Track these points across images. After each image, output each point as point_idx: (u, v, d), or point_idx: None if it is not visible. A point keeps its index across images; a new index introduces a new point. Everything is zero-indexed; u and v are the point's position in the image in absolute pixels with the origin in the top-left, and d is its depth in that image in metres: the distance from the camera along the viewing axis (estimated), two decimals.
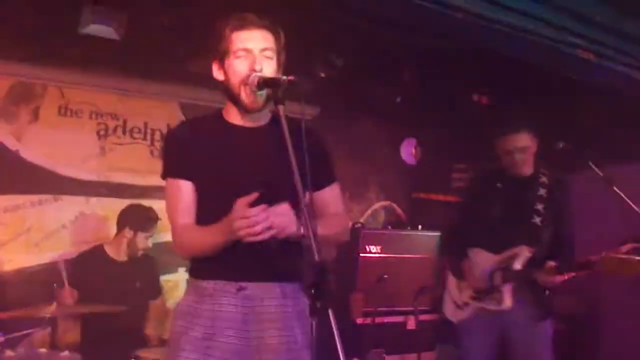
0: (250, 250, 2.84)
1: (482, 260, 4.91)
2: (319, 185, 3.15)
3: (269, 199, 2.83)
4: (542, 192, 4.87)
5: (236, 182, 2.94)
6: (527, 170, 4.92)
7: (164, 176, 3.11)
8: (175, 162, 3.08)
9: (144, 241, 5.60)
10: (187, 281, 3.18)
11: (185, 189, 3.04)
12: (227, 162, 3.00)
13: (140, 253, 5.62)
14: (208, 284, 2.99)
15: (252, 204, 2.76)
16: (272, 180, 2.92)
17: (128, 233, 5.58)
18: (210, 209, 2.97)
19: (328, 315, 2.27)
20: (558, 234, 4.86)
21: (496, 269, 4.80)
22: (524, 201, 4.86)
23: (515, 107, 6.57)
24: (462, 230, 5.13)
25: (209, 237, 2.94)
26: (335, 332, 2.21)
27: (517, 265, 4.70)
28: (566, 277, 4.54)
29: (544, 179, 4.92)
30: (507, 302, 4.71)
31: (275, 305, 3.02)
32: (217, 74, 3.06)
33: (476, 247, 4.98)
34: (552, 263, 4.53)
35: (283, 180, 2.74)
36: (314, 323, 2.33)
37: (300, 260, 2.85)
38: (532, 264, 4.69)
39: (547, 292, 4.74)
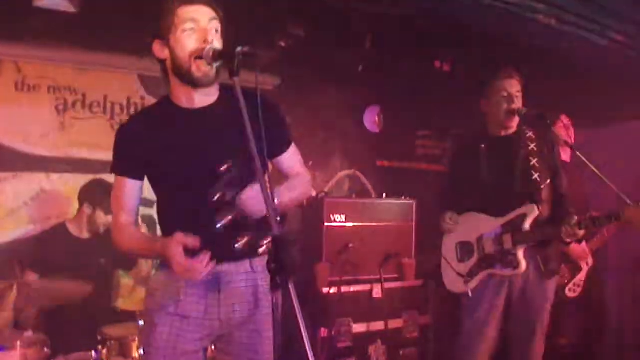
0: (213, 230, 2.87)
1: (484, 224, 4.86)
2: (278, 152, 3.16)
3: (230, 175, 2.89)
4: (532, 146, 4.83)
5: (194, 167, 2.96)
6: (512, 127, 4.89)
7: (112, 171, 3.15)
8: (123, 160, 3.11)
9: (103, 217, 5.54)
10: None
11: (130, 189, 3.09)
12: (181, 149, 2.99)
13: (102, 229, 5.57)
14: None
15: (207, 189, 2.86)
16: (229, 157, 2.92)
17: (87, 209, 5.54)
18: (170, 196, 2.99)
19: (289, 290, 2.25)
20: (556, 189, 4.83)
21: (503, 232, 4.75)
22: (516, 158, 4.81)
23: (476, 74, 6.55)
24: (455, 196, 5.08)
25: (143, 249, 3.10)
26: (296, 306, 2.20)
27: (527, 226, 4.65)
28: (591, 230, 4.54)
29: (530, 134, 4.88)
30: (523, 264, 4.66)
31: (246, 279, 3.07)
32: (160, 52, 3.01)
33: (472, 212, 4.94)
34: (576, 217, 4.49)
35: (240, 155, 2.74)
36: (275, 297, 2.32)
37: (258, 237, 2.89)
38: (538, 223, 4.66)
39: (555, 248, 4.75)
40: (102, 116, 6.59)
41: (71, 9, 5.40)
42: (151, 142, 2.99)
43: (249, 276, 3.08)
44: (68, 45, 6.28)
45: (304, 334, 2.17)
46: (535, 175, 4.74)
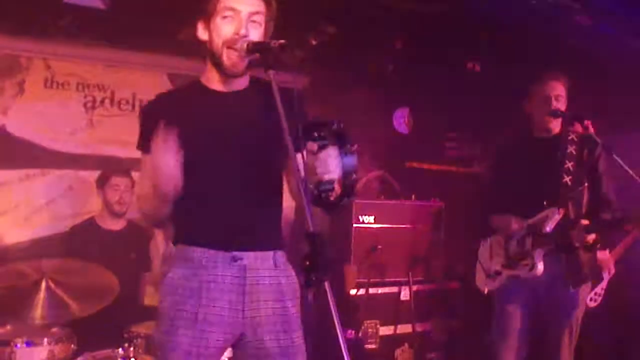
0: (243, 219, 2.85)
1: (512, 225, 4.81)
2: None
3: (251, 163, 2.88)
4: (571, 149, 4.77)
5: (222, 148, 2.91)
6: (555, 128, 4.84)
7: (139, 147, 3.03)
8: (148, 136, 2.91)
9: (116, 195, 5.62)
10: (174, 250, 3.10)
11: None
12: (207, 129, 2.92)
13: (122, 210, 5.59)
14: (198, 253, 2.92)
15: (231, 173, 2.85)
16: (255, 144, 2.89)
17: (102, 194, 5.57)
18: (195, 178, 2.90)
19: (323, 288, 2.20)
20: (594, 193, 4.76)
21: (527, 234, 4.70)
22: (553, 161, 4.75)
23: (507, 75, 6.48)
24: (494, 200, 5.04)
25: None
26: (332, 306, 2.15)
27: (547, 229, 4.58)
28: (598, 235, 4.47)
29: (572, 136, 4.81)
30: (539, 268, 4.59)
31: (270, 276, 2.99)
32: (202, 33, 2.97)
33: (506, 213, 4.89)
34: (585, 221, 4.44)
35: (266, 144, 2.71)
36: (309, 296, 2.26)
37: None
38: (564, 226, 4.58)
39: (584, 255, 4.66)
40: (130, 113, 6.57)
41: (101, 5, 5.40)
42: (179, 120, 2.85)
43: (272, 273, 3.00)
44: (97, 42, 6.28)
45: (340, 335, 2.11)
46: (566, 179, 4.68)
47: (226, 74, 2.92)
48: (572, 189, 4.68)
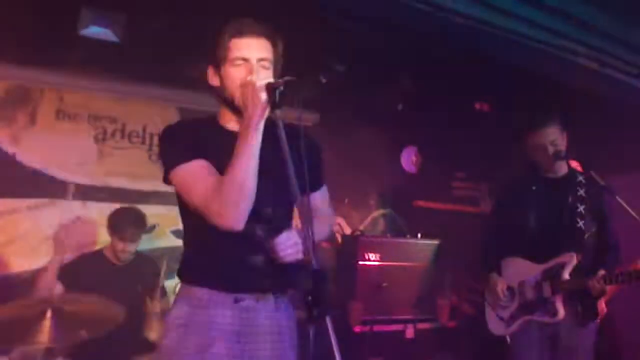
0: (245, 261, 2.87)
1: (526, 270, 4.78)
2: (312, 189, 3.11)
3: (266, 204, 2.88)
4: (581, 192, 4.74)
5: None
6: (562, 169, 4.83)
7: (178, 162, 2.89)
8: (187, 146, 2.92)
9: (120, 244, 5.46)
10: (178, 288, 3.10)
11: (211, 167, 2.89)
12: (220, 167, 2.89)
13: (122, 257, 5.54)
14: (203, 293, 2.93)
15: (250, 217, 2.80)
16: (268, 186, 2.89)
17: (113, 238, 5.54)
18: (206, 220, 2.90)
19: (325, 323, 2.22)
20: (601, 237, 4.73)
21: (543, 279, 4.67)
22: (564, 203, 4.72)
23: (515, 116, 6.51)
24: (497, 241, 5.01)
25: (237, 154, 2.78)
26: (333, 341, 2.18)
27: (566, 275, 4.55)
28: (618, 285, 4.47)
29: (580, 178, 4.80)
30: (561, 313, 4.56)
31: (270, 318, 3.01)
32: (212, 79, 3.02)
33: (515, 257, 4.88)
34: (602, 272, 4.42)
35: (280, 186, 2.72)
36: (311, 332, 2.28)
37: (290, 271, 2.89)
38: (579, 271, 4.56)
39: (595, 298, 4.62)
40: (140, 146, 6.62)
41: (113, 38, 5.44)
42: (198, 148, 2.90)
43: (273, 314, 3.01)
44: (109, 75, 6.34)
45: None
46: (580, 223, 4.66)
47: (241, 115, 2.93)
48: (585, 233, 4.68)
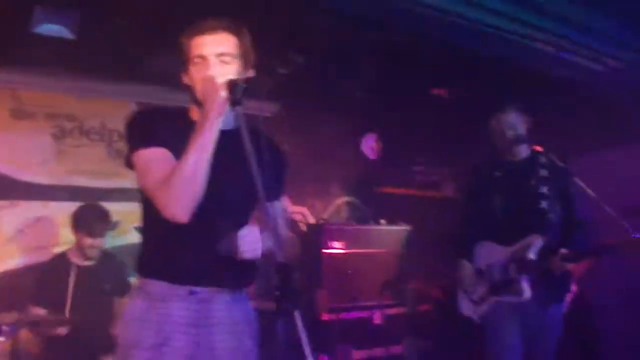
0: (203, 254, 2.87)
1: (495, 253, 4.82)
2: (274, 196, 3.12)
3: (225, 203, 2.90)
4: (543, 173, 4.77)
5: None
6: (523, 152, 4.86)
7: (141, 145, 2.88)
8: (156, 132, 2.91)
9: (88, 240, 5.41)
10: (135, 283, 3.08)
11: (171, 157, 2.86)
12: None
13: (89, 253, 5.50)
14: (158, 287, 2.93)
15: (203, 213, 2.77)
16: (233, 181, 2.91)
17: (74, 235, 5.49)
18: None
19: (294, 318, 2.24)
20: (567, 216, 4.77)
21: (510, 261, 4.71)
22: (528, 186, 4.77)
23: (474, 100, 6.56)
24: (469, 227, 5.05)
25: (193, 143, 2.77)
26: (302, 334, 2.18)
27: (531, 255, 4.59)
28: (581, 264, 4.52)
29: (543, 159, 4.83)
30: (527, 293, 4.60)
31: (225, 309, 3.01)
32: (185, 79, 3.01)
33: (486, 241, 4.91)
34: (564, 250, 4.46)
35: (244, 183, 2.73)
36: (279, 325, 2.29)
37: (249, 266, 2.94)
38: (545, 251, 4.59)
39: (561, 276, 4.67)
40: (99, 143, 6.56)
41: (69, 35, 5.39)
42: (168, 141, 2.88)
43: (228, 307, 3.02)
44: (65, 72, 6.27)
45: None
46: (544, 204, 4.71)
47: None
48: (549, 213, 4.74)
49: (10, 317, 4.53)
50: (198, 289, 2.92)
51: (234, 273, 2.97)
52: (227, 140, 2.88)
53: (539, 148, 4.91)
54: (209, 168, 2.78)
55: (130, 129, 3.01)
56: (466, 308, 5.06)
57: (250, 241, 2.81)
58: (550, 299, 4.71)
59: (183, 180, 2.73)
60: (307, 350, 2.17)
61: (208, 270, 2.92)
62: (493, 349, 4.84)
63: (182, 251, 2.87)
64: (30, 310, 5.07)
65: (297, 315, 2.23)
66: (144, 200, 2.99)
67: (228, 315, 3.01)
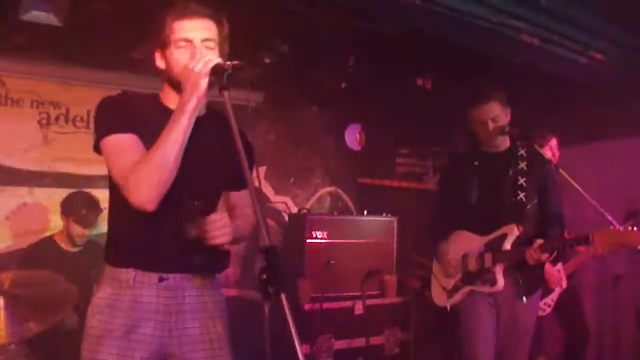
0: (172, 241, 2.89)
1: (470, 242, 4.87)
2: (239, 186, 3.16)
3: (195, 188, 2.91)
4: (522, 165, 4.82)
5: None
6: (504, 144, 4.90)
7: (109, 132, 2.89)
8: (123, 118, 2.91)
9: (78, 229, 5.51)
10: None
11: (135, 143, 2.88)
12: None
13: (78, 241, 5.52)
14: (127, 274, 2.94)
15: (172, 199, 2.81)
16: (205, 172, 2.99)
17: (63, 221, 5.52)
18: None
19: (280, 300, 2.26)
20: (544, 208, 4.82)
21: (485, 251, 4.76)
22: (505, 177, 4.81)
23: (457, 92, 6.60)
24: (444, 215, 5.09)
25: (168, 130, 2.80)
26: (289, 317, 2.21)
27: (507, 245, 4.65)
28: (553, 255, 4.55)
29: (522, 152, 4.87)
30: (500, 282, 4.66)
31: (195, 296, 3.04)
32: (159, 62, 3.03)
33: (461, 230, 4.96)
34: (539, 241, 4.50)
35: (220, 173, 2.78)
36: (266, 309, 2.31)
37: (219, 252, 2.99)
38: (521, 242, 4.65)
39: (535, 268, 4.72)
40: (85, 131, 6.56)
41: (56, 22, 5.40)
42: (137, 131, 2.89)
43: (198, 292, 3.04)
44: (52, 59, 6.27)
45: (297, 346, 2.18)
46: (521, 195, 4.75)
47: None
48: (526, 205, 4.78)
49: None
50: (168, 275, 2.95)
51: (203, 259, 2.99)
52: (198, 125, 2.91)
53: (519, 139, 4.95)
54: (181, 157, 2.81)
55: (99, 115, 3.01)
56: (438, 297, 5.12)
57: (220, 226, 2.83)
58: (524, 290, 4.76)
59: (153, 169, 2.76)
60: (294, 332, 2.19)
61: (177, 256, 2.94)
62: (466, 337, 4.88)
63: (150, 238, 2.88)
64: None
65: (284, 299, 2.25)
66: (112, 186, 3.02)
67: (198, 302, 3.04)
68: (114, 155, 2.89)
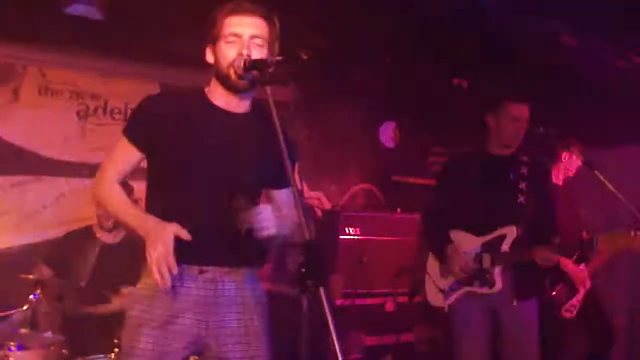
0: (213, 234, 2.92)
1: (466, 242, 4.82)
2: (281, 184, 3.21)
3: (238, 184, 2.94)
4: (524, 170, 4.81)
5: (219, 168, 2.97)
6: (511, 148, 4.87)
7: (124, 132, 3.06)
8: (141, 128, 3.04)
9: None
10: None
11: (132, 157, 3.06)
12: (201, 140, 2.99)
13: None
14: None
15: (216, 193, 2.91)
16: (248, 168, 3.00)
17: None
18: (180, 189, 2.97)
19: (319, 295, 2.26)
20: (540, 214, 4.80)
21: (483, 252, 4.74)
22: (507, 180, 4.79)
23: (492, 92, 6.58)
24: (442, 213, 5.02)
25: (127, 213, 3.04)
26: (327, 311, 2.21)
27: (505, 247, 4.64)
28: (569, 258, 4.54)
29: (524, 158, 4.86)
30: (498, 284, 4.64)
31: (235, 289, 3.05)
32: (209, 57, 3.06)
33: (458, 230, 4.92)
34: (556, 240, 4.52)
35: (257, 169, 2.88)
36: (305, 303, 2.32)
37: (260, 247, 3.01)
38: (519, 245, 4.64)
39: (537, 270, 4.68)
40: (122, 123, 6.57)
41: (97, 15, 5.46)
42: (175, 122, 2.98)
43: (238, 286, 3.06)
44: (92, 51, 6.34)
45: (335, 340, 2.19)
46: (521, 198, 4.75)
47: (233, 90, 2.99)
48: (525, 208, 4.77)
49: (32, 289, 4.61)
50: (208, 268, 2.98)
51: (244, 253, 3.02)
52: (243, 122, 3.02)
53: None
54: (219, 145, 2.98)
55: (133, 111, 3.17)
56: (434, 297, 5.07)
57: (266, 218, 2.85)
58: (523, 293, 4.74)
59: (103, 202, 3.14)
60: (333, 327, 2.20)
61: (218, 250, 2.97)
62: (458, 338, 4.85)
63: (191, 231, 2.88)
64: (39, 268, 5.15)
65: (323, 293, 2.26)
66: (150, 180, 3.11)
67: (237, 296, 3.06)
68: (114, 150, 3.12)
